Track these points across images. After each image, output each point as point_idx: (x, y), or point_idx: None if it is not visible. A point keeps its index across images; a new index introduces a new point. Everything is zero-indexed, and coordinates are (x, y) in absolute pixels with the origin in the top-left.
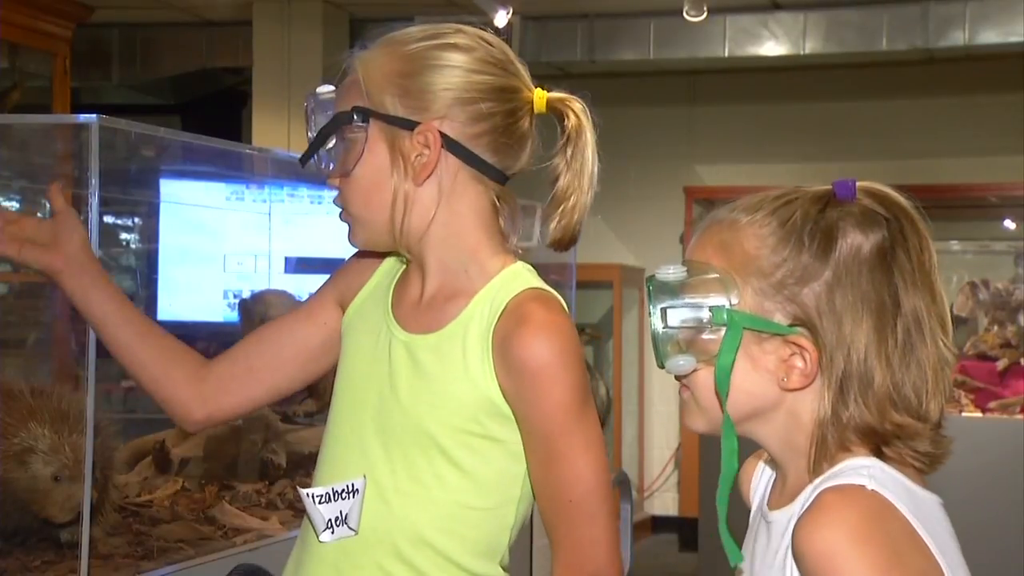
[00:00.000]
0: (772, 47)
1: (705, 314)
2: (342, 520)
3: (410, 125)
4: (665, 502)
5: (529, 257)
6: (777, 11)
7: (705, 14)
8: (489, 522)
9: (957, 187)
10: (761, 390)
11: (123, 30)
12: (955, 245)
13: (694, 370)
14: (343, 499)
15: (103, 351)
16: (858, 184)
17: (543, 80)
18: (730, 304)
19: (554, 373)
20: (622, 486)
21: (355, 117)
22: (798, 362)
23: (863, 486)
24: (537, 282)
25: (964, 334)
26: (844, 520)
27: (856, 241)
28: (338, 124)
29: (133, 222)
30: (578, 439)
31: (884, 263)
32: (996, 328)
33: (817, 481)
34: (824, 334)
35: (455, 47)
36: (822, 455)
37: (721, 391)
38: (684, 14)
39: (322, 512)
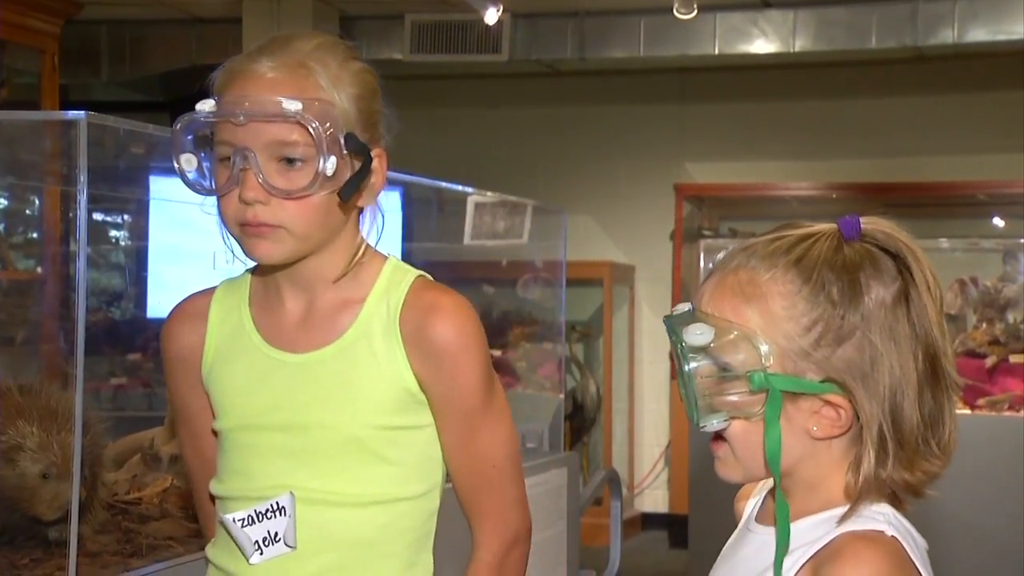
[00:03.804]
0: (762, 45)
1: (739, 376)
2: (271, 540)
3: (366, 150)
4: (655, 499)
5: (520, 254)
6: (767, 9)
7: (695, 12)
8: (420, 509)
9: (946, 185)
10: (794, 442)
11: (112, 27)
12: (944, 243)
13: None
14: (269, 519)
15: (92, 349)
16: (863, 223)
17: (533, 77)
18: (764, 367)
19: (472, 352)
20: (612, 483)
21: (347, 143)
22: (829, 414)
23: (883, 532)
24: (416, 270)
25: (953, 331)
26: (872, 564)
27: (880, 295)
28: (355, 150)
29: (122, 219)
30: (495, 408)
31: (906, 306)
32: (985, 325)
33: (823, 515)
34: (858, 391)
35: (372, 73)
36: (854, 509)
37: (772, 463)
38: (674, 12)
39: (249, 535)
